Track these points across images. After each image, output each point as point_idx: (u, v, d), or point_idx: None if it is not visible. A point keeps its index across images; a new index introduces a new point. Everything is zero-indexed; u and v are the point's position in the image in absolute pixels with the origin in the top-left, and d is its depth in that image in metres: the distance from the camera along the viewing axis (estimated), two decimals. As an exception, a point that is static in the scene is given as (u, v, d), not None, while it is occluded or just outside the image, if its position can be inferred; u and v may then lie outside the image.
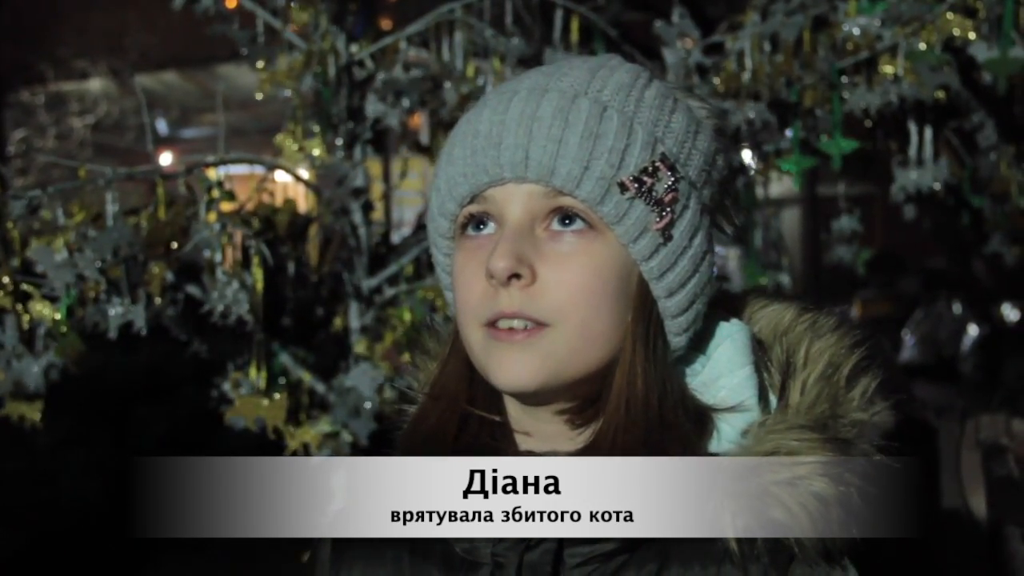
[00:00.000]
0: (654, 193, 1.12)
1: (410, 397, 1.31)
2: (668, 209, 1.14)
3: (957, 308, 9.02)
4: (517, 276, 1.10)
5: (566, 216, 1.13)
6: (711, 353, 1.22)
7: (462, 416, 1.22)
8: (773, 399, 1.20)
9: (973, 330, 8.74)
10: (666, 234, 1.14)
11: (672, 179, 1.14)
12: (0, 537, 6.39)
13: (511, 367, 1.12)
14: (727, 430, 1.17)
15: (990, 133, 3.35)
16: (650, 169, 1.13)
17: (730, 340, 1.22)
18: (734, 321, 1.25)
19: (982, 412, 2.55)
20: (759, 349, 1.23)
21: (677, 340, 1.19)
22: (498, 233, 1.14)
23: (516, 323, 1.12)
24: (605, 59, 1.21)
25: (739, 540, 1.10)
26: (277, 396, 2.86)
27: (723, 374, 1.20)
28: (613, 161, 1.11)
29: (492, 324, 1.13)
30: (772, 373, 1.21)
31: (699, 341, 1.23)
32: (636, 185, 1.12)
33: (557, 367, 1.12)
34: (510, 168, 1.12)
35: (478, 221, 1.16)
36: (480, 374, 1.19)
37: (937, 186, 3.17)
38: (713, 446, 1.17)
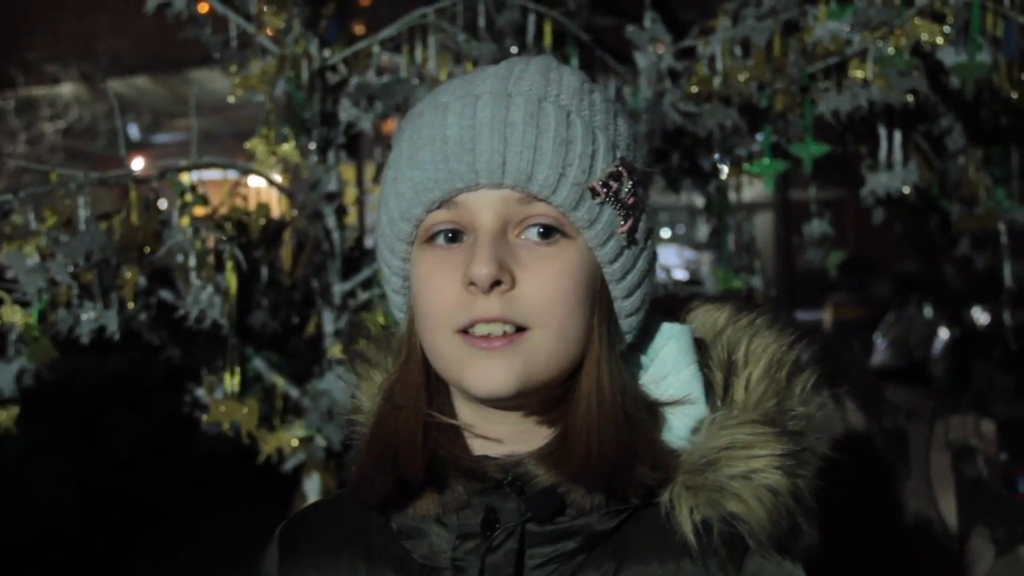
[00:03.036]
0: (620, 197, 1.15)
1: (358, 407, 1.30)
2: (632, 212, 1.16)
3: (928, 312, 9.07)
4: (498, 282, 1.11)
5: (542, 228, 1.13)
6: (656, 353, 1.24)
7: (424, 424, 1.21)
8: (717, 399, 1.22)
9: (944, 333, 8.80)
10: (630, 237, 1.17)
11: (631, 182, 1.16)
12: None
13: (490, 375, 1.12)
14: (678, 427, 1.19)
15: (958, 137, 3.38)
16: (615, 173, 1.15)
17: (675, 340, 1.24)
18: (676, 323, 1.27)
19: (952, 413, 2.57)
20: (699, 349, 1.25)
21: (626, 338, 1.21)
22: (470, 239, 1.14)
23: (494, 328, 1.12)
24: (548, 60, 1.22)
25: (697, 534, 1.12)
26: (249, 401, 2.85)
27: (670, 372, 1.22)
28: (584, 167, 1.13)
29: (466, 330, 1.13)
30: (713, 371, 1.24)
31: (644, 341, 1.25)
32: (605, 190, 1.14)
33: (535, 371, 1.13)
34: (487, 174, 1.12)
35: (448, 233, 1.15)
36: (436, 379, 1.20)
37: (906, 190, 3.20)
38: (664, 440, 1.18)
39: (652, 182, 1.29)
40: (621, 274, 1.17)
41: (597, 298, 1.17)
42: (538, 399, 1.17)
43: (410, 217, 1.17)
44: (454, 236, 1.15)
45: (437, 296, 1.14)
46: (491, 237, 1.12)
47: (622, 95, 3.18)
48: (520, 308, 1.12)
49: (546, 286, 1.12)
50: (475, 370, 1.13)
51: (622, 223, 1.15)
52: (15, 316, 2.59)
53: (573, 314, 1.14)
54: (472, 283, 1.11)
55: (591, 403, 1.15)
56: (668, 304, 1.33)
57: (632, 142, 1.20)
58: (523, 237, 1.14)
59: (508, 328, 1.12)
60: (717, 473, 1.13)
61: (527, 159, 1.11)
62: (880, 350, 8.53)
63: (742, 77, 3.00)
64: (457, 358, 1.14)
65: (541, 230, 1.13)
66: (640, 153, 1.22)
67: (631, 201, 1.16)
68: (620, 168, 1.15)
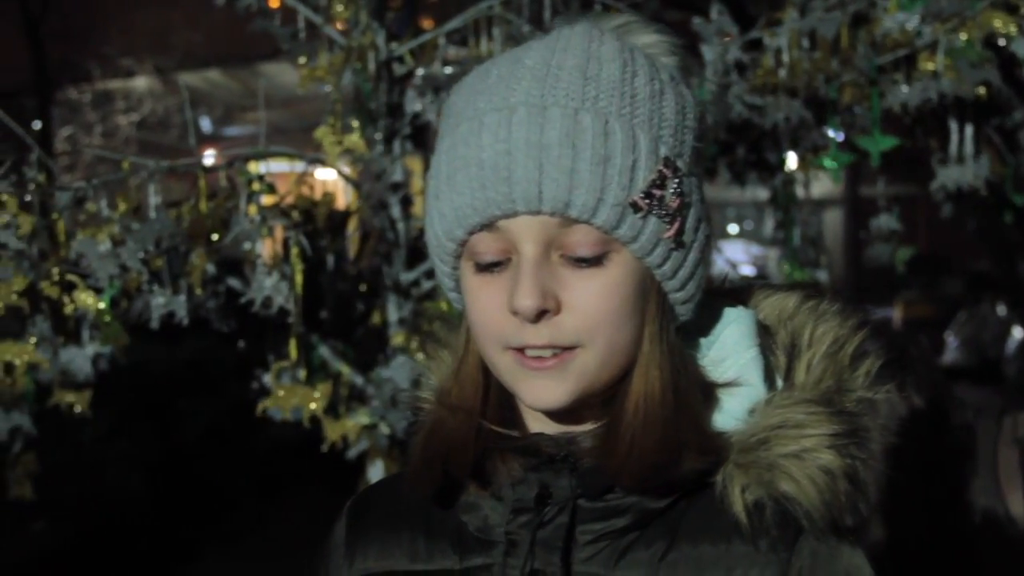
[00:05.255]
0: (664, 203, 1.12)
1: (427, 385, 1.31)
2: (678, 215, 1.14)
3: (1001, 310, 8.92)
4: (544, 311, 1.10)
5: (580, 259, 1.12)
6: (717, 336, 1.23)
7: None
8: (779, 381, 1.21)
9: (1018, 332, 8.65)
10: (677, 240, 1.15)
11: (676, 182, 1.13)
12: (46, 529, 6.51)
13: (544, 393, 1.13)
14: (734, 408, 1.18)
15: (1032, 130, 3.33)
16: (657, 180, 1.12)
17: (736, 323, 1.23)
18: (739, 307, 1.26)
19: (1020, 409, 2.54)
20: (764, 334, 1.25)
21: (682, 318, 1.20)
22: (513, 261, 1.13)
23: (544, 352, 1.12)
24: (587, 43, 1.17)
25: (748, 514, 1.11)
26: (320, 385, 2.89)
27: (729, 355, 1.21)
28: (624, 183, 1.10)
29: (518, 350, 1.13)
30: (778, 356, 1.23)
31: (706, 325, 1.24)
32: (647, 201, 1.11)
33: (587, 384, 1.14)
34: (523, 203, 1.10)
35: (491, 263, 1.14)
36: (493, 377, 1.20)
37: (978, 184, 3.15)
38: (719, 422, 1.18)
39: (705, 156, 1.25)
40: (672, 273, 1.16)
41: (647, 299, 1.15)
42: (594, 399, 1.17)
43: (453, 238, 1.16)
44: (498, 263, 1.14)
45: (485, 316, 1.15)
46: (532, 266, 1.11)
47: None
48: (567, 332, 1.11)
49: (591, 306, 1.11)
50: (529, 387, 1.14)
51: (668, 228, 1.13)
52: (88, 300, 2.66)
53: (622, 327, 1.13)
54: (517, 313, 1.11)
55: (639, 405, 1.15)
56: (741, 293, 1.32)
57: (679, 122, 1.16)
58: (566, 258, 1.12)
59: (557, 350, 1.12)
60: (768, 452, 1.12)
61: (563, 185, 1.09)
62: (952, 349, 8.39)
63: (809, 69, 2.97)
64: (511, 373, 1.15)
65: (583, 263, 1.12)
66: (689, 128, 1.18)
67: (676, 203, 1.13)
68: (663, 170, 1.12)
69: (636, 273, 1.14)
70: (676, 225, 1.14)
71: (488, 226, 1.13)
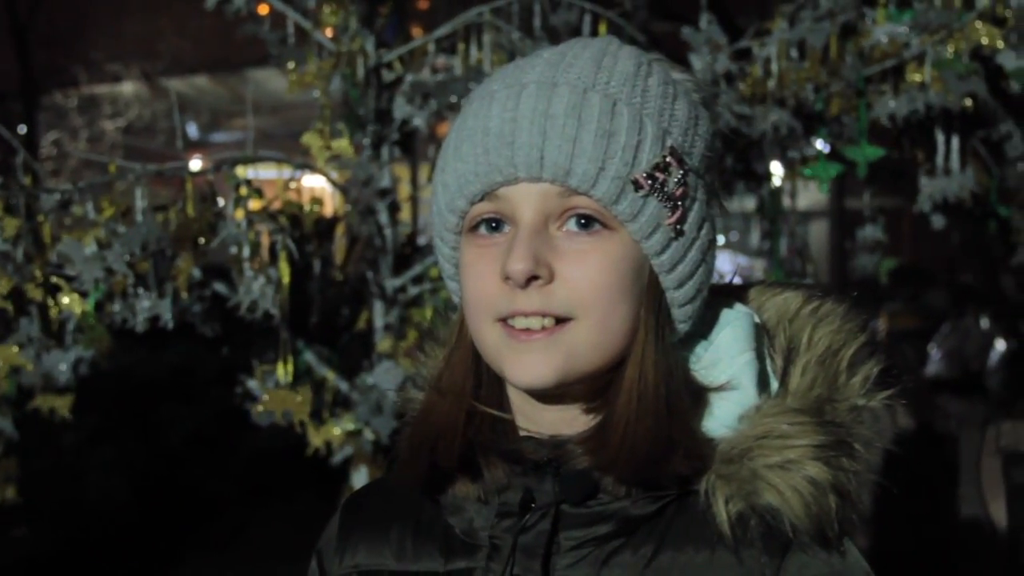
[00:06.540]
0: (666, 189, 1.12)
1: (419, 384, 1.31)
2: (679, 203, 1.14)
3: (984, 323, 8.94)
4: (535, 277, 1.10)
5: (582, 218, 1.12)
6: (713, 339, 1.22)
7: (468, 410, 1.21)
8: (775, 385, 1.20)
9: (1000, 345, 8.67)
10: (678, 229, 1.14)
11: (681, 172, 1.14)
12: (28, 535, 6.47)
13: (530, 367, 1.12)
14: (724, 415, 1.17)
15: (1018, 143, 3.33)
16: (661, 164, 1.12)
17: (731, 327, 1.22)
18: (738, 307, 1.25)
19: (1003, 420, 2.55)
20: (764, 336, 1.24)
21: (681, 327, 1.19)
22: (511, 232, 1.14)
23: (533, 322, 1.12)
24: (605, 44, 1.20)
25: (732, 526, 1.11)
26: (301, 390, 2.89)
27: (723, 359, 1.20)
28: (627, 159, 1.11)
29: (506, 321, 1.13)
30: (775, 359, 1.22)
31: (703, 327, 1.23)
32: (649, 182, 1.12)
33: (576, 363, 1.12)
34: (525, 168, 1.11)
35: (491, 222, 1.15)
36: (486, 365, 1.20)
37: (964, 195, 3.16)
38: (708, 428, 1.17)
39: (715, 165, 1.25)
40: (670, 266, 1.15)
41: (645, 289, 1.15)
42: (584, 387, 1.16)
43: (455, 208, 1.17)
44: (496, 225, 1.15)
45: (478, 286, 1.15)
46: (528, 232, 1.11)
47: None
48: (559, 300, 1.11)
49: (586, 278, 1.11)
50: (514, 362, 1.13)
51: (669, 215, 1.13)
52: (73, 304, 2.65)
53: (616, 306, 1.12)
54: (508, 278, 1.11)
55: (632, 394, 1.14)
56: (746, 293, 1.31)
57: (691, 126, 1.17)
58: (564, 229, 1.13)
59: (548, 321, 1.11)
60: (753, 463, 1.11)
61: (566, 153, 1.10)
62: (935, 360, 8.38)
63: (797, 79, 2.98)
64: (498, 348, 1.14)
65: (581, 221, 1.12)
66: (701, 137, 1.18)
67: (679, 192, 1.13)
68: (668, 158, 1.12)
69: (634, 257, 1.14)
70: (678, 214, 1.14)
71: (489, 195, 1.14)
